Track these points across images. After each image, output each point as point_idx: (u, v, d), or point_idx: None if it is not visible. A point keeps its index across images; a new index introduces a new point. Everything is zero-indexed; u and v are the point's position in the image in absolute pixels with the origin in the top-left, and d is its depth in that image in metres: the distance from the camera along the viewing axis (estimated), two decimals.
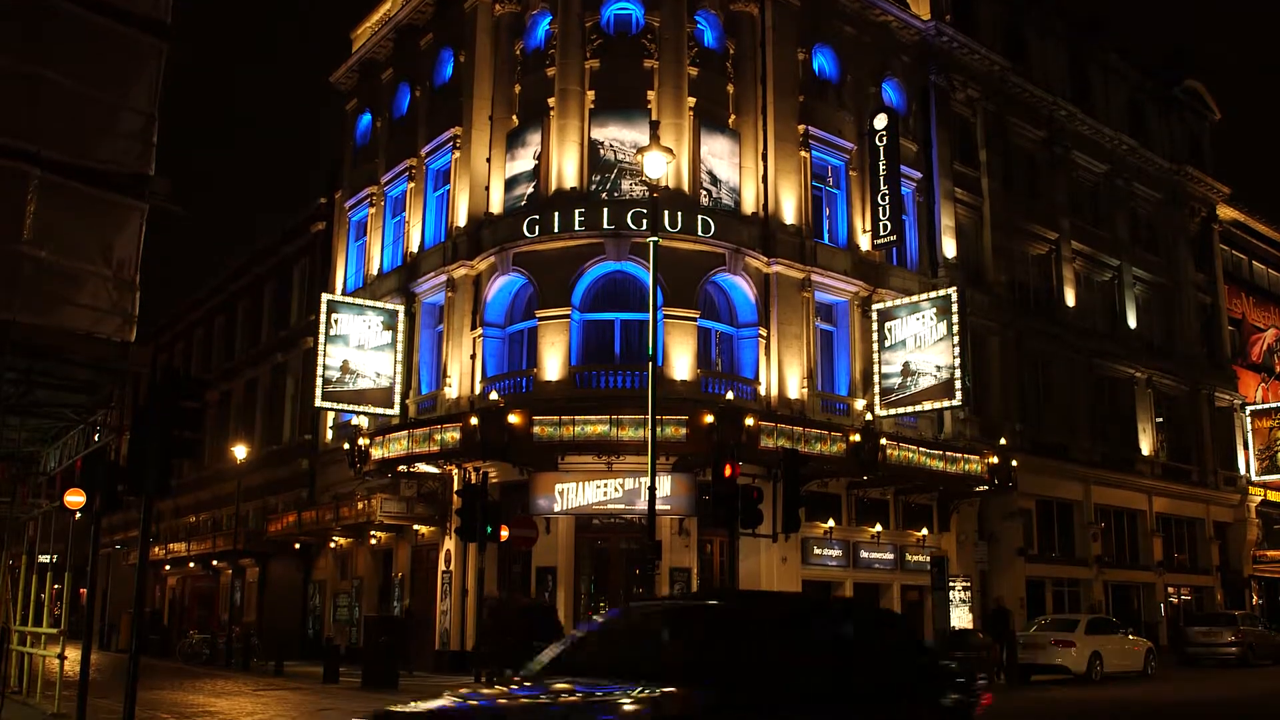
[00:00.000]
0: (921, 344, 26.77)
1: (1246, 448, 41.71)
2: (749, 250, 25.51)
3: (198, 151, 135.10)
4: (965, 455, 27.27)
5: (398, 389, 28.11)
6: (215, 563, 37.30)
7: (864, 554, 26.88)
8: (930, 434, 28.46)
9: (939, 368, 26.45)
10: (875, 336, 27.45)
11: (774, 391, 25.37)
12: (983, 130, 32.99)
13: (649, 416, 17.19)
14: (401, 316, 28.41)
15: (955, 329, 26.32)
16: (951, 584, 27.71)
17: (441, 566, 25.77)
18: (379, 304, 28.75)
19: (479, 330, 25.80)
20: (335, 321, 27.79)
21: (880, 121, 28.28)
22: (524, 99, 26.57)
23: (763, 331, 25.57)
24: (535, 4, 26.98)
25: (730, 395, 23.75)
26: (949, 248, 30.52)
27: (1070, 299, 35.14)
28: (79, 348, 12.40)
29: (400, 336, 28.31)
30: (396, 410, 27.87)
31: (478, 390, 25.38)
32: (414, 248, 29.15)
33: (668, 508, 22.56)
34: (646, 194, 20.34)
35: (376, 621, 23.75)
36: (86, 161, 12.38)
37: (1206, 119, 44.35)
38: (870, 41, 29.82)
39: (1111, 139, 37.96)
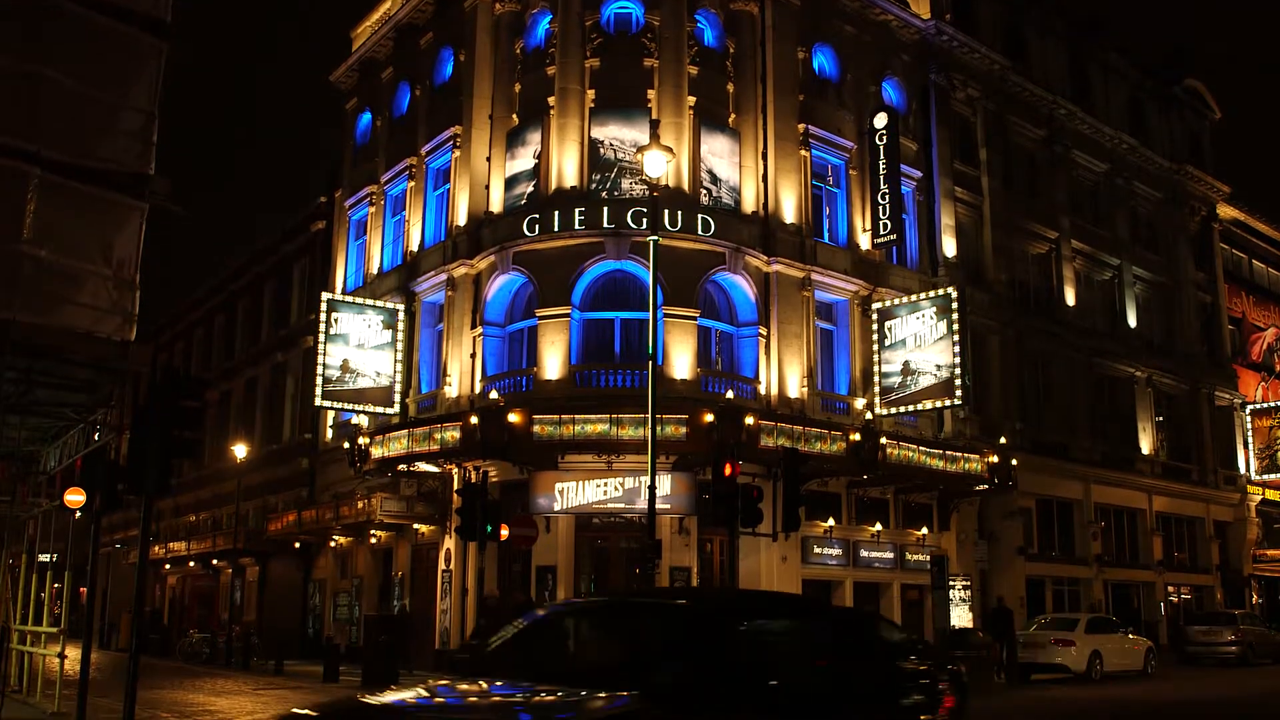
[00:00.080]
0: (921, 343, 26.77)
1: (1246, 447, 41.71)
2: (749, 249, 25.50)
3: (198, 151, 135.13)
4: (965, 454, 27.25)
5: (398, 388, 28.11)
6: (215, 562, 37.31)
7: (864, 553, 26.87)
8: (930, 433, 28.46)
9: (939, 367, 26.44)
10: (875, 335, 27.45)
11: (774, 390, 25.37)
12: (983, 129, 32.98)
13: (649, 415, 17.16)
14: (401, 315, 28.40)
15: (955, 328, 26.32)
16: (951, 583, 27.72)
17: (441, 566, 25.77)
18: (379, 303, 28.74)
19: (479, 329, 25.80)
20: (335, 320, 27.79)
21: (880, 120, 28.27)
22: (524, 98, 26.57)
23: (763, 330, 25.57)
24: (535, 3, 26.96)
25: (730, 394, 23.72)
26: (949, 247, 30.52)
27: (1070, 298, 35.13)
28: (79, 347, 12.40)
29: (400, 335, 28.31)
30: (396, 409, 27.86)
31: (478, 389, 25.38)
32: (414, 247, 29.15)
33: (668, 507, 22.57)
34: (646, 193, 20.30)
35: (376, 621, 23.80)
36: (86, 161, 12.38)
37: (1206, 118, 44.34)
38: (870, 40, 29.81)
39: (1111, 138, 37.95)
